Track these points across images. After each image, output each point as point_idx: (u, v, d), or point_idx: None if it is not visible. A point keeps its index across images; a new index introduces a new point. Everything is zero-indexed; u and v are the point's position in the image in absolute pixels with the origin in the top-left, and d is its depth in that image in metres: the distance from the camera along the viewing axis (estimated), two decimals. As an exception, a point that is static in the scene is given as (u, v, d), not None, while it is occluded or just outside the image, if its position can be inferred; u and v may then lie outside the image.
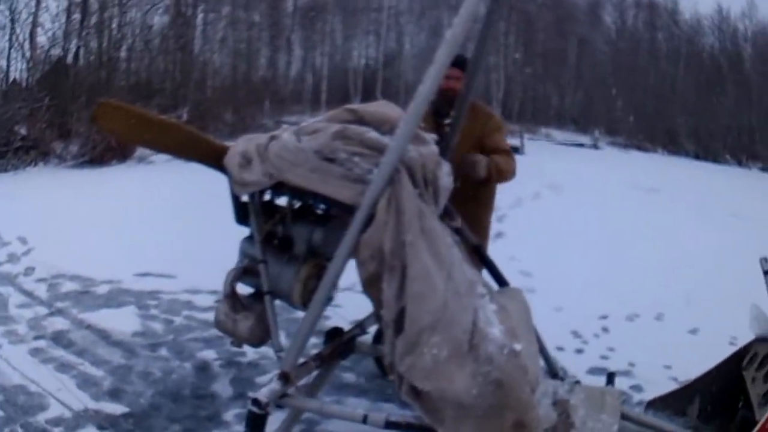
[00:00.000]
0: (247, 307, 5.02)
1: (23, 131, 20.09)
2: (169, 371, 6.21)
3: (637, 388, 6.37)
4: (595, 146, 42.93)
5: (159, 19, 32.03)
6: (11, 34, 23.77)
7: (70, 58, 25.75)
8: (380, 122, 4.46)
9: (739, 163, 43.43)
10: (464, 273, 4.06)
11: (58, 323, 7.19)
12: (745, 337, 4.82)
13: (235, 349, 5.63)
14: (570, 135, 48.62)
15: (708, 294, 9.02)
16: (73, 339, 6.79)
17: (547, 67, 54.79)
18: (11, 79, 23.88)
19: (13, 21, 23.69)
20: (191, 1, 35.28)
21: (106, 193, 14.61)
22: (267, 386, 4.17)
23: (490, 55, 45.14)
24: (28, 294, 8.09)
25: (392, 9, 51.28)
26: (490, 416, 3.65)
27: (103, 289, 8.36)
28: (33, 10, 24.26)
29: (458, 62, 5.19)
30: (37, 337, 6.77)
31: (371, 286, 3.99)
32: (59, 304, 7.77)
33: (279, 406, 4.28)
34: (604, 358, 7.10)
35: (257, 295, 5.03)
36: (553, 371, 5.13)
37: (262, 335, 4.99)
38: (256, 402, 4.04)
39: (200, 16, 37.39)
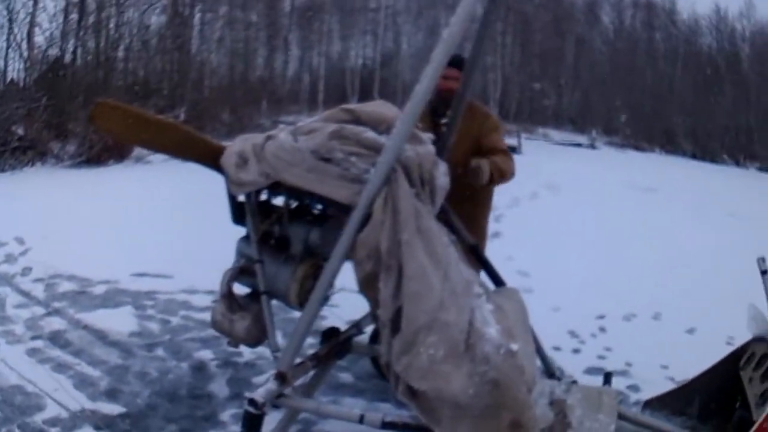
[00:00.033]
0: (244, 307, 5.01)
1: (20, 131, 20.07)
2: (165, 371, 6.21)
3: (634, 387, 6.37)
4: (592, 146, 42.94)
5: (156, 19, 32.07)
6: (9, 34, 23.77)
7: (67, 58, 25.73)
8: (377, 122, 4.46)
9: (737, 163, 43.44)
10: (461, 273, 4.06)
11: (55, 323, 7.19)
12: (743, 336, 4.83)
13: (231, 349, 5.63)
14: (567, 135, 48.58)
15: (705, 294, 9.04)
16: (70, 339, 6.79)
17: (545, 66, 54.75)
18: (8, 79, 23.85)
19: (10, 21, 23.68)
20: (188, 1, 35.24)
21: (103, 194, 14.59)
22: (263, 386, 4.17)
23: (488, 55, 45.16)
24: (26, 294, 8.08)
25: (389, 9, 51.29)
26: (487, 416, 3.65)
27: (100, 290, 8.36)
28: (30, 10, 24.27)
29: (457, 63, 5.20)
30: (34, 338, 6.77)
31: (368, 285, 4.00)
32: (56, 304, 7.77)
33: (275, 406, 4.28)
34: (601, 357, 7.11)
35: (254, 295, 5.02)
36: (550, 371, 5.13)
37: (258, 335, 4.99)
38: (252, 402, 4.04)
39: (197, 16, 37.34)
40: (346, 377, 6.29)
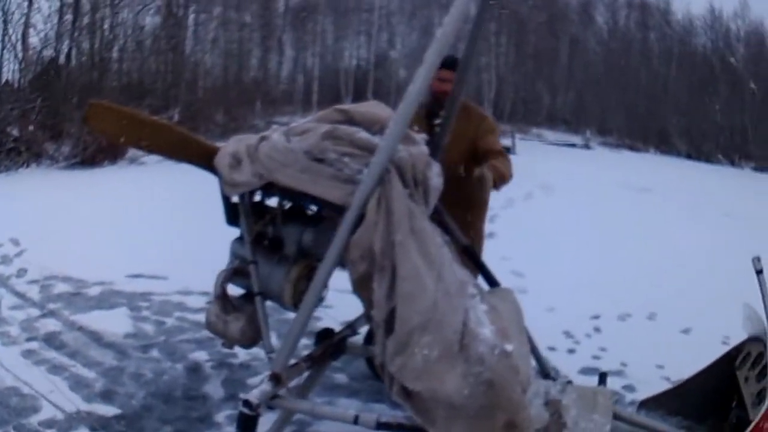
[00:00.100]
0: (238, 308, 5.01)
1: (15, 132, 20.02)
2: (160, 373, 6.20)
3: (630, 387, 6.37)
4: (586, 146, 43.03)
5: (150, 20, 32.03)
6: (3, 35, 23.70)
7: (62, 59, 25.68)
8: (370, 122, 4.47)
9: (732, 163, 43.54)
10: (454, 273, 4.06)
11: (51, 325, 7.17)
12: (738, 336, 4.83)
13: (226, 350, 5.65)
14: (561, 135, 48.70)
15: (700, 293, 9.05)
16: (66, 340, 6.78)
17: (539, 67, 54.82)
18: (3, 80, 23.80)
19: (5, 22, 23.62)
20: (182, 2, 35.25)
21: (98, 195, 14.59)
22: (258, 387, 4.16)
23: (482, 56, 45.23)
24: (21, 296, 8.07)
25: (383, 9, 51.30)
26: (482, 417, 3.65)
27: (95, 291, 8.35)
28: (25, 11, 24.19)
29: (452, 64, 5.19)
30: (29, 339, 6.75)
31: (361, 286, 3.99)
32: (51, 306, 7.76)
33: (270, 408, 4.27)
34: (596, 358, 7.11)
35: (248, 297, 5.03)
36: (545, 371, 5.13)
37: (253, 336, 4.99)
38: (247, 403, 4.03)
39: (191, 16, 37.37)
40: (340, 378, 6.28)
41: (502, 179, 5.29)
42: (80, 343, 6.74)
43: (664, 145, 47.09)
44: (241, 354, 6.45)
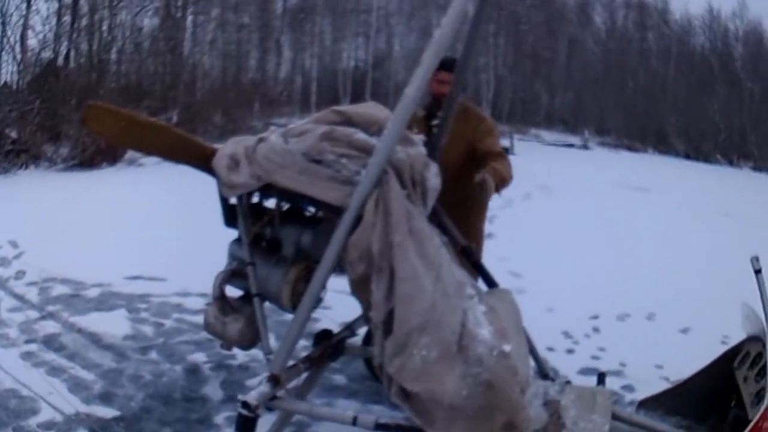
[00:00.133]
0: (237, 309, 5.02)
1: (14, 134, 19.99)
2: (159, 374, 6.20)
3: (629, 388, 6.38)
4: (585, 146, 43.01)
5: (149, 22, 31.97)
6: (2, 37, 23.67)
7: (60, 61, 25.67)
8: (368, 123, 4.47)
9: (731, 163, 43.54)
10: (453, 274, 4.06)
11: (49, 327, 7.17)
12: (737, 335, 4.83)
13: (225, 351, 5.64)
14: (560, 135, 48.72)
15: (699, 293, 9.06)
16: (64, 342, 6.78)
17: (537, 67, 54.83)
18: (2, 82, 23.77)
19: (3, 23, 23.60)
20: (181, 4, 35.21)
21: (96, 197, 14.58)
22: (257, 389, 4.17)
23: (480, 56, 45.25)
24: (19, 298, 8.06)
25: (381, 10, 51.27)
26: (480, 417, 3.65)
27: (93, 293, 8.35)
28: (24, 12, 24.16)
29: (453, 66, 5.18)
30: (28, 341, 6.75)
31: (360, 287, 4.00)
32: (50, 308, 7.75)
33: (269, 409, 4.28)
34: (595, 358, 7.11)
35: (246, 298, 5.03)
36: (544, 372, 5.13)
37: (251, 338, 4.99)
38: (246, 405, 4.03)
39: (190, 18, 37.28)
40: (339, 379, 6.29)
41: (503, 182, 5.26)
42: (79, 345, 6.74)
43: (663, 145, 47.10)
44: (239, 355, 6.46)
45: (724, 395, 4.69)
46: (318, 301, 4.45)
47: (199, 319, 6.24)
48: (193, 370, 6.34)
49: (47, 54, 25.28)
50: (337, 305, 6.09)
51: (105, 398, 5.64)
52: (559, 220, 13.66)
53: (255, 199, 4.97)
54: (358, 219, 3.97)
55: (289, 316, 4.79)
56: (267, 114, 37.33)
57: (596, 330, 7.97)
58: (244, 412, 4.03)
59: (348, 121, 4.52)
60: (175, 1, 34.18)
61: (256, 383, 5.10)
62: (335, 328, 5.36)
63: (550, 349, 6.93)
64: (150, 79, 30.56)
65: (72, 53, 26.35)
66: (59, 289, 8.40)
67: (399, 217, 3.90)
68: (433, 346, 3.73)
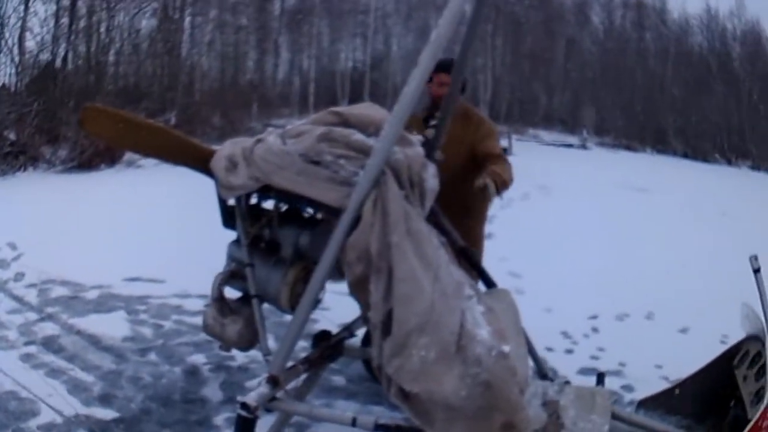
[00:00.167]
0: (235, 310, 5.01)
1: (12, 136, 20.02)
2: (158, 376, 6.20)
3: (628, 387, 6.38)
4: (583, 146, 42.97)
5: (147, 23, 31.97)
6: (0, 39, 23.71)
7: (58, 63, 25.66)
8: (365, 124, 4.48)
9: (729, 162, 43.47)
10: (451, 274, 4.06)
11: (49, 329, 7.18)
12: (736, 335, 4.82)
13: (224, 353, 5.63)
14: (558, 135, 48.64)
15: (698, 293, 9.06)
16: (64, 344, 6.78)
17: (535, 67, 54.76)
18: (0, 85, 23.80)
19: (1, 26, 23.59)
20: (178, 5, 35.18)
21: (95, 198, 14.59)
22: (256, 390, 4.17)
23: (478, 56, 45.25)
24: (19, 299, 8.07)
25: (379, 11, 51.21)
26: (479, 418, 3.65)
27: (92, 294, 8.35)
28: (21, 14, 24.17)
29: (452, 68, 5.17)
30: (27, 343, 6.75)
31: (358, 288, 4.00)
32: (49, 310, 7.75)
33: (268, 410, 4.29)
34: (594, 358, 7.11)
35: (245, 299, 5.02)
36: (543, 372, 5.14)
37: (250, 339, 4.98)
38: (245, 406, 4.03)
39: (188, 19, 37.23)
40: (338, 380, 6.29)
41: (503, 185, 5.26)
42: (78, 347, 6.74)
43: (661, 145, 47.04)
44: (238, 357, 6.47)
45: (723, 395, 4.69)
46: (317, 302, 4.45)
47: (199, 320, 6.25)
48: (193, 372, 6.34)
49: (45, 56, 25.32)
50: (336, 306, 6.09)
51: (104, 400, 5.64)
52: (558, 220, 13.67)
53: (253, 200, 4.96)
54: (357, 220, 3.97)
55: (288, 317, 4.79)
56: (265, 115, 37.34)
57: (595, 330, 7.98)
58: (243, 413, 4.03)
59: (345, 122, 4.53)
60: (172, 3, 34.15)
61: (255, 384, 5.13)
62: (334, 329, 5.36)
63: (549, 349, 6.94)
64: (148, 80, 30.58)
65: (70, 55, 26.37)
66: (58, 291, 8.41)
67: (397, 218, 3.90)
68: (432, 346, 3.73)
